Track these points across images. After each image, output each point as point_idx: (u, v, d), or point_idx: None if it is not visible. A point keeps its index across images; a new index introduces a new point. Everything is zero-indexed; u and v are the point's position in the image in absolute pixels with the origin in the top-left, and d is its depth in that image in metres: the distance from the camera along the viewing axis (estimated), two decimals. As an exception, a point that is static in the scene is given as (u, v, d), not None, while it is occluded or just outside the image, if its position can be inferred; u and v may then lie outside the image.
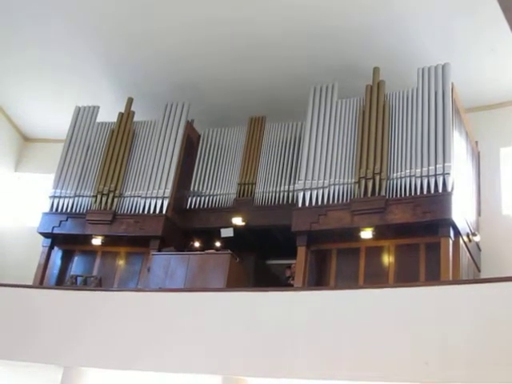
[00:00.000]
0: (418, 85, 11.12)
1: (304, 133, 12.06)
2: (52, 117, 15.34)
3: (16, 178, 16.16)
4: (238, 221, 12.23)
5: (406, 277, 10.15)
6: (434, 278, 9.73)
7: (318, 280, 11.05)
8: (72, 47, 13.14)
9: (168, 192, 12.43)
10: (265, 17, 11.73)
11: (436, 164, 10.26)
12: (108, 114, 13.55)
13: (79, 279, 12.07)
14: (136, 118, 13.61)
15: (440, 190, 10.07)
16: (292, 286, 10.98)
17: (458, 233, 10.11)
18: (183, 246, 12.36)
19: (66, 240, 12.93)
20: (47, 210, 12.94)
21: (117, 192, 12.68)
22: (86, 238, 12.64)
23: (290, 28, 11.89)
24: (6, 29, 12.86)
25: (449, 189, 10.03)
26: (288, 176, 12.39)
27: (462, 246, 10.27)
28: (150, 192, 12.50)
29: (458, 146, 10.88)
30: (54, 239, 12.92)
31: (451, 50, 11.56)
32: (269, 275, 12.90)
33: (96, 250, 12.82)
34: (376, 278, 10.41)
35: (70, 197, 12.88)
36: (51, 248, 12.89)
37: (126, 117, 13.55)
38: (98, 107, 13.80)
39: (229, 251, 11.29)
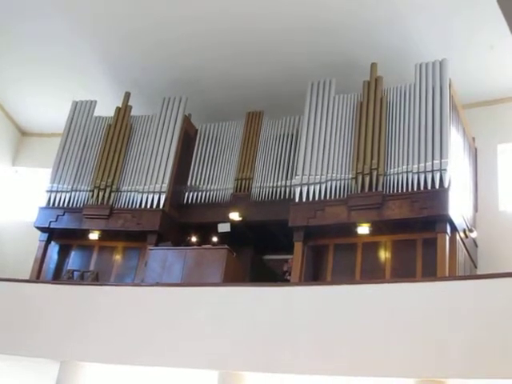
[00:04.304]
0: (415, 80, 11.11)
1: (301, 128, 12.06)
2: (49, 111, 15.31)
3: (13, 172, 16.14)
4: (235, 216, 12.22)
5: (402, 272, 10.17)
6: (430, 273, 9.74)
7: (314, 275, 11.07)
8: (69, 42, 13.10)
9: (165, 187, 12.43)
10: (263, 12, 11.70)
11: (433, 160, 10.26)
12: (105, 109, 13.52)
13: (76, 274, 12.08)
14: (133, 113, 13.59)
15: (437, 185, 10.07)
16: (288, 281, 10.99)
17: (454, 229, 10.13)
18: (180, 241, 12.36)
19: (63, 234, 12.93)
20: (44, 204, 12.93)
21: (114, 186, 12.68)
22: (83, 233, 12.64)
23: (289, 23, 11.86)
24: (3, 24, 12.82)
25: (446, 185, 10.04)
26: (285, 171, 12.37)
27: (458, 242, 10.30)
28: (147, 187, 12.50)
29: (455, 142, 10.90)
30: (51, 234, 12.92)
31: (449, 46, 11.55)
32: (266, 270, 12.90)
33: (93, 245, 12.82)
34: (373, 274, 10.43)
35: (67, 191, 12.87)
36: (48, 242, 12.89)
37: (124, 111, 13.52)
38: (96, 102, 13.75)
39: (226, 246, 11.29)
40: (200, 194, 12.88)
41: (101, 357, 9.30)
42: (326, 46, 12.28)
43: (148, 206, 12.32)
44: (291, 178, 12.03)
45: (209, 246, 11.84)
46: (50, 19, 12.49)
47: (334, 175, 11.14)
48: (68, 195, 12.83)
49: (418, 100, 10.93)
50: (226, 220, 12.15)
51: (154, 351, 8.94)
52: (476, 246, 11.61)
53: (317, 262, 11.23)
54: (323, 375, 7.97)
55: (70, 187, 12.92)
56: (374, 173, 10.69)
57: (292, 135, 12.76)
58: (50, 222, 12.67)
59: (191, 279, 10.88)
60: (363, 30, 11.80)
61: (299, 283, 10.32)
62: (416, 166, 10.38)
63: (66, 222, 12.66)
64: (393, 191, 10.49)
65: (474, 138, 12.44)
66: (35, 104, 15.31)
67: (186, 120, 13.45)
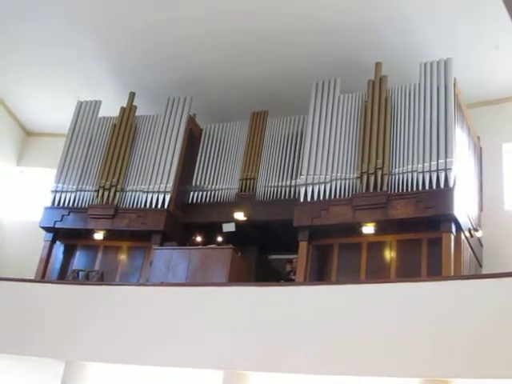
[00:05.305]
0: (420, 80, 11.11)
1: (306, 128, 12.06)
2: (54, 111, 15.31)
3: (18, 172, 16.16)
4: (239, 215, 12.22)
5: (407, 272, 10.15)
6: (435, 273, 9.73)
7: (319, 275, 11.06)
8: (74, 42, 13.10)
9: (170, 187, 12.44)
10: (266, 12, 11.69)
11: (438, 159, 10.26)
12: (110, 109, 13.54)
13: (81, 274, 12.08)
14: (138, 113, 13.61)
15: (442, 185, 10.07)
16: (293, 280, 10.99)
17: (459, 228, 10.11)
18: (185, 241, 12.36)
19: (68, 234, 12.95)
20: (49, 204, 12.95)
21: (119, 186, 12.69)
22: (88, 233, 12.66)
23: (293, 23, 11.84)
24: (7, 25, 12.83)
25: (451, 184, 10.03)
26: (290, 171, 12.38)
27: (463, 242, 10.28)
28: (151, 186, 12.52)
29: (460, 141, 10.87)
30: (56, 233, 12.94)
31: (454, 45, 11.52)
32: (270, 270, 12.90)
33: (98, 245, 12.83)
34: (378, 273, 10.41)
35: (72, 191, 12.89)
36: (53, 242, 12.91)
37: (128, 111, 13.54)
38: (100, 102, 13.79)
39: (230, 246, 11.31)
40: (205, 193, 12.89)
41: (106, 357, 9.31)
42: (331, 45, 12.27)
43: (153, 206, 12.33)
44: (296, 178, 12.03)
45: (213, 245, 11.85)
46: (53, 20, 12.49)
47: (338, 175, 11.13)
48: (73, 195, 12.85)
49: (423, 99, 10.93)
50: (231, 220, 12.15)
51: (159, 351, 8.95)
52: (481, 245, 11.58)
53: (321, 262, 11.22)
54: (328, 375, 7.97)
55: (74, 187, 12.94)
56: (379, 172, 10.68)
57: (296, 135, 12.77)
58: (55, 221, 12.70)
59: (196, 279, 10.90)
60: (368, 30, 11.78)
61: (304, 283, 10.33)
62: (421, 165, 10.38)
63: (70, 222, 12.69)
64: (398, 191, 10.48)
65: (478, 137, 12.41)
66: (40, 104, 15.32)
67: (191, 120, 13.46)
